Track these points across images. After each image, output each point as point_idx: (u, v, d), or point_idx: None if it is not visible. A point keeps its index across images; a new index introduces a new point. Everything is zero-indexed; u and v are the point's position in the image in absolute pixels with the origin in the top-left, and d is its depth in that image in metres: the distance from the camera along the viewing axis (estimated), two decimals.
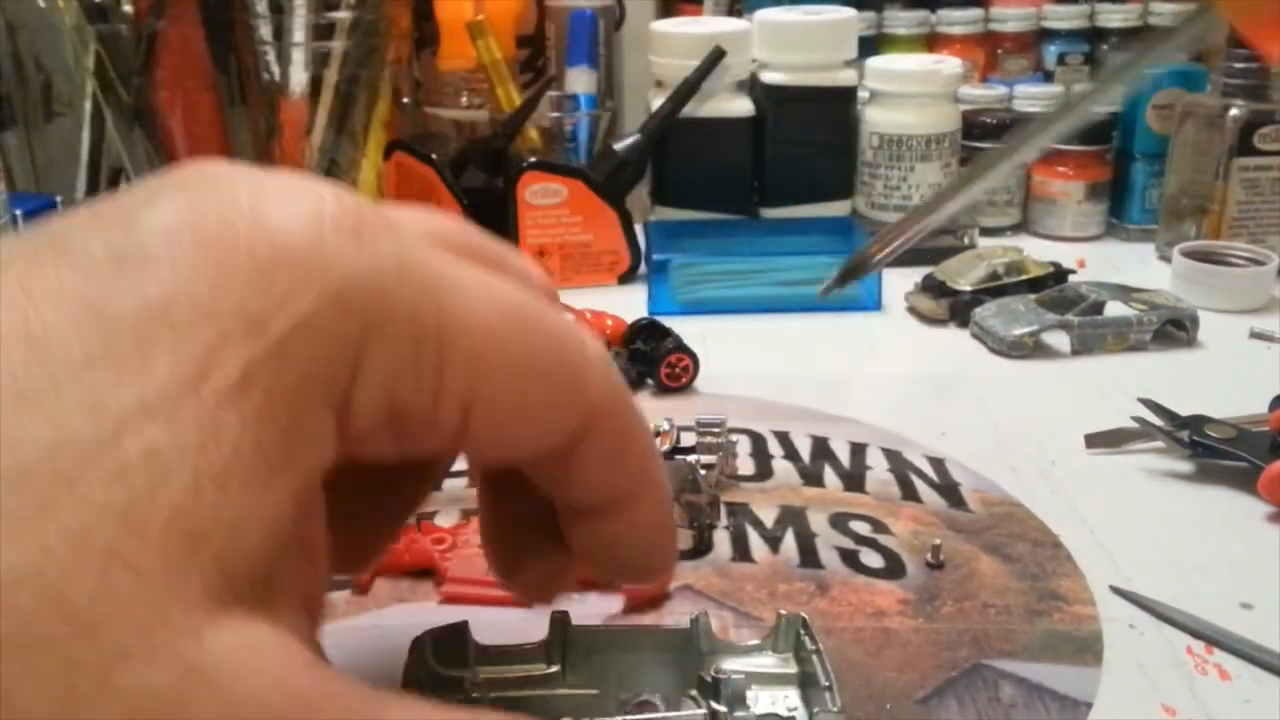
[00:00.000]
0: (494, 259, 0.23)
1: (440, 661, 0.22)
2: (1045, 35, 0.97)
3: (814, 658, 0.25)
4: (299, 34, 0.83)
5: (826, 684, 0.25)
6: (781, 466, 0.53)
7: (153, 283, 0.17)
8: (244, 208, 0.18)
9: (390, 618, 0.40)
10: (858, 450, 0.55)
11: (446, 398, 0.20)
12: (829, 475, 0.53)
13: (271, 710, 0.16)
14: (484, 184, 0.81)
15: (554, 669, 0.22)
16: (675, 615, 0.42)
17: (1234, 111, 0.77)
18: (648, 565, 0.26)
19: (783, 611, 0.25)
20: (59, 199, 0.83)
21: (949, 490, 0.51)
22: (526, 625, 0.34)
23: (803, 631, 0.25)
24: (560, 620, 0.23)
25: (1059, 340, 0.67)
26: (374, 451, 0.20)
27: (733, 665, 0.24)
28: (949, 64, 0.84)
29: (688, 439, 0.52)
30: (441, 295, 0.19)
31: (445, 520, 0.46)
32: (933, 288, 0.73)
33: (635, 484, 0.24)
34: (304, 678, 0.16)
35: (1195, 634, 0.41)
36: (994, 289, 0.72)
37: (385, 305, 0.18)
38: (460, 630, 0.22)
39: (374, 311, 0.18)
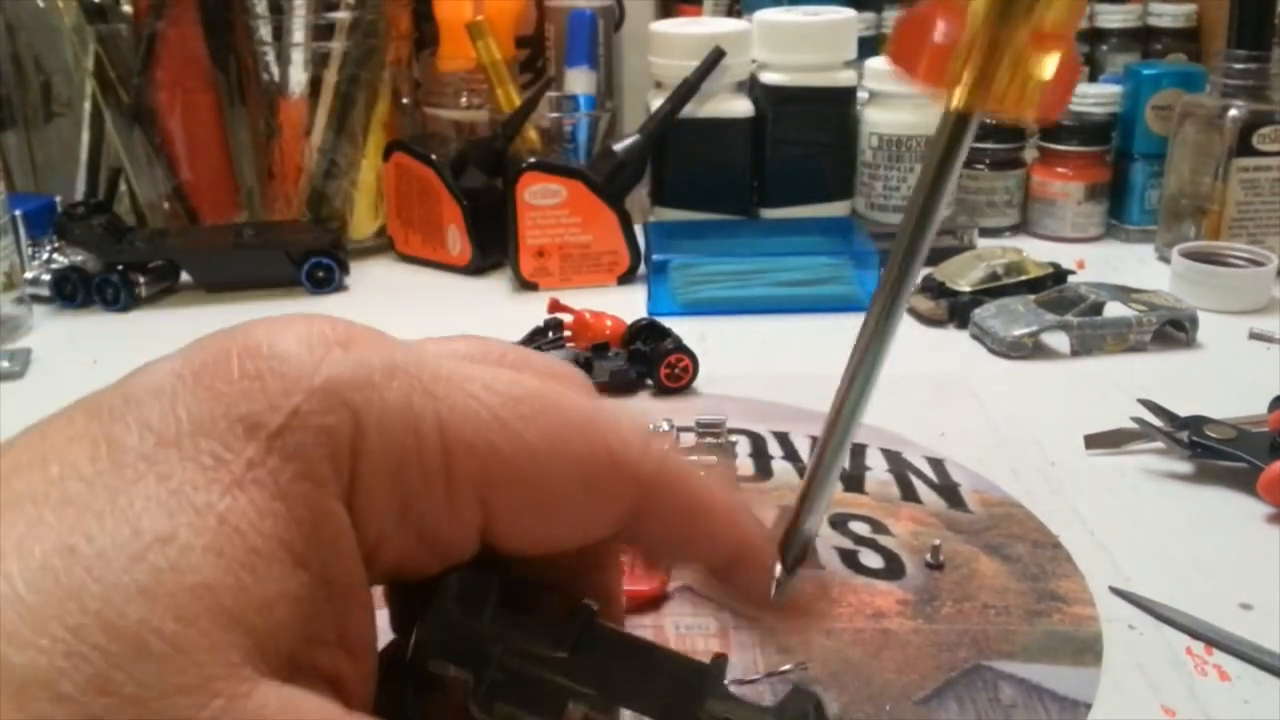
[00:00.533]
0: (531, 370, 0.22)
1: (460, 604, 0.22)
2: None
3: None
4: (298, 34, 0.83)
5: None
6: (781, 467, 0.53)
7: (154, 412, 0.18)
8: (238, 336, 0.19)
9: None
10: (857, 451, 0.55)
11: (459, 490, 0.19)
12: None
13: None
14: (483, 184, 0.81)
15: (561, 654, 0.22)
16: (675, 616, 0.42)
17: (1233, 112, 0.77)
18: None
19: (797, 683, 0.24)
20: (58, 199, 0.83)
21: (948, 491, 0.51)
22: None
23: (813, 714, 0.25)
24: (584, 611, 0.23)
25: (1058, 341, 0.67)
26: (408, 559, 0.20)
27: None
28: None
29: (688, 439, 0.52)
30: (438, 390, 0.20)
31: None
32: (932, 288, 0.73)
33: (728, 549, 0.23)
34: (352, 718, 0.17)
35: (1195, 635, 0.41)
36: (993, 290, 0.72)
37: (374, 400, 0.19)
38: (488, 582, 0.22)
39: (363, 406, 0.19)
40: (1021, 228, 0.89)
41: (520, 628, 0.22)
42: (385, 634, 0.22)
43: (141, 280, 0.76)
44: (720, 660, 0.23)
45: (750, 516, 0.23)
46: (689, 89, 0.79)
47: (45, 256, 0.79)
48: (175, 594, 0.16)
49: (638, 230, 0.80)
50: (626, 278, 0.79)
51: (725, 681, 0.23)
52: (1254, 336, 0.69)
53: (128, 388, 0.19)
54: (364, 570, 0.19)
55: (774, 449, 0.55)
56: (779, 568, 0.24)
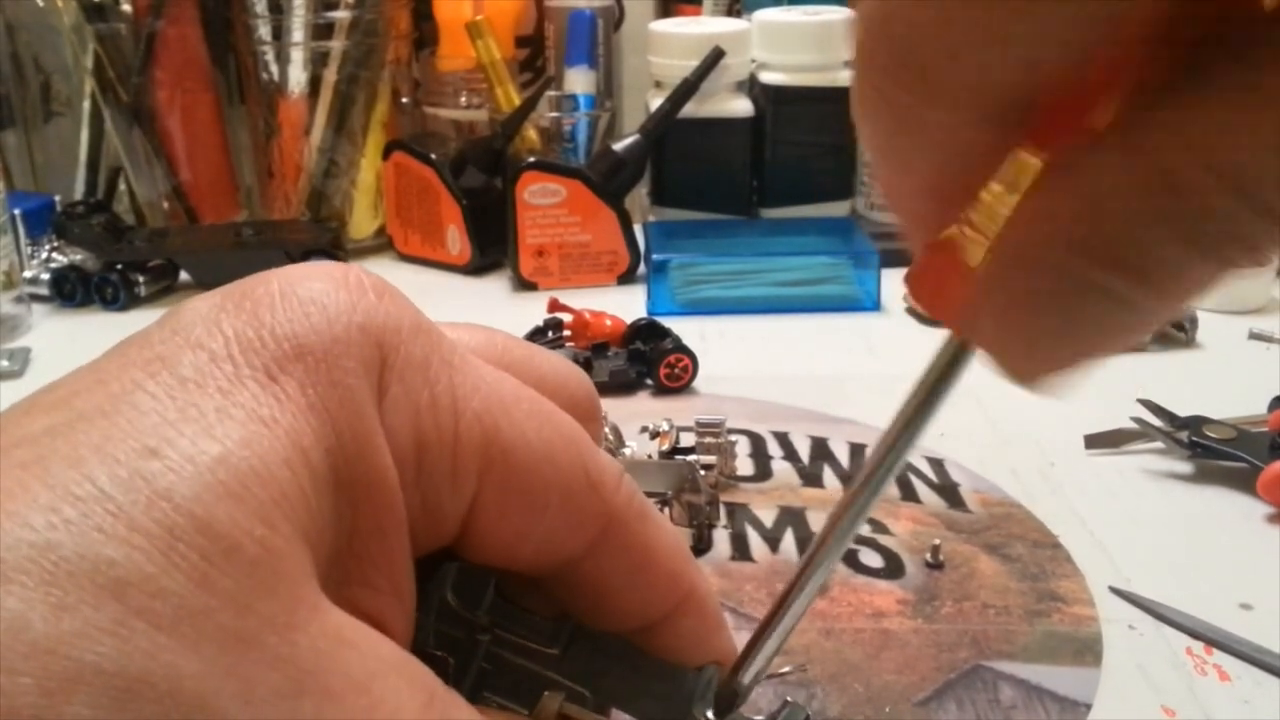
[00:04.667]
0: (533, 370, 0.23)
1: (455, 595, 0.22)
2: None
3: None
4: (298, 34, 0.83)
5: None
6: (781, 467, 0.53)
7: (204, 333, 0.18)
8: (275, 275, 0.19)
9: None
10: (857, 451, 0.55)
11: (463, 457, 0.20)
12: (828, 476, 0.53)
13: (406, 672, 0.17)
14: (483, 184, 0.81)
15: (553, 651, 0.22)
16: None
17: None
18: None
19: (789, 699, 0.24)
20: (57, 198, 0.83)
21: (948, 491, 0.51)
22: None
23: None
24: (570, 625, 0.23)
25: None
26: (411, 526, 0.20)
27: None
28: None
29: (687, 439, 0.52)
30: (454, 362, 0.20)
31: None
32: None
33: (668, 602, 0.23)
34: (425, 672, 0.18)
35: (1195, 635, 0.41)
36: None
37: (400, 349, 0.19)
38: (485, 578, 0.22)
39: (390, 348, 0.19)
40: None
41: (514, 622, 0.22)
42: None
43: (141, 279, 0.76)
44: (710, 669, 0.23)
45: (698, 570, 0.24)
46: (689, 89, 0.78)
47: (44, 255, 0.79)
48: (261, 500, 0.16)
49: (637, 230, 0.80)
50: (626, 277, 0.79)
51: (714, 690, 0.23)
52: (1254, 336, 0.69)
53: (171, 319, 0.19)
54: (404, 509, 0.19)
55: (773, 449, 0.55)
56: (709, 712, 0.23)
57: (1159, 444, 0.54)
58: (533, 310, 0.68)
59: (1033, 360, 0.17)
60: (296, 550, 0.16)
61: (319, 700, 0.16)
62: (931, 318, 0.18)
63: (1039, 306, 0.16)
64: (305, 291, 0.19)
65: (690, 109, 0.79)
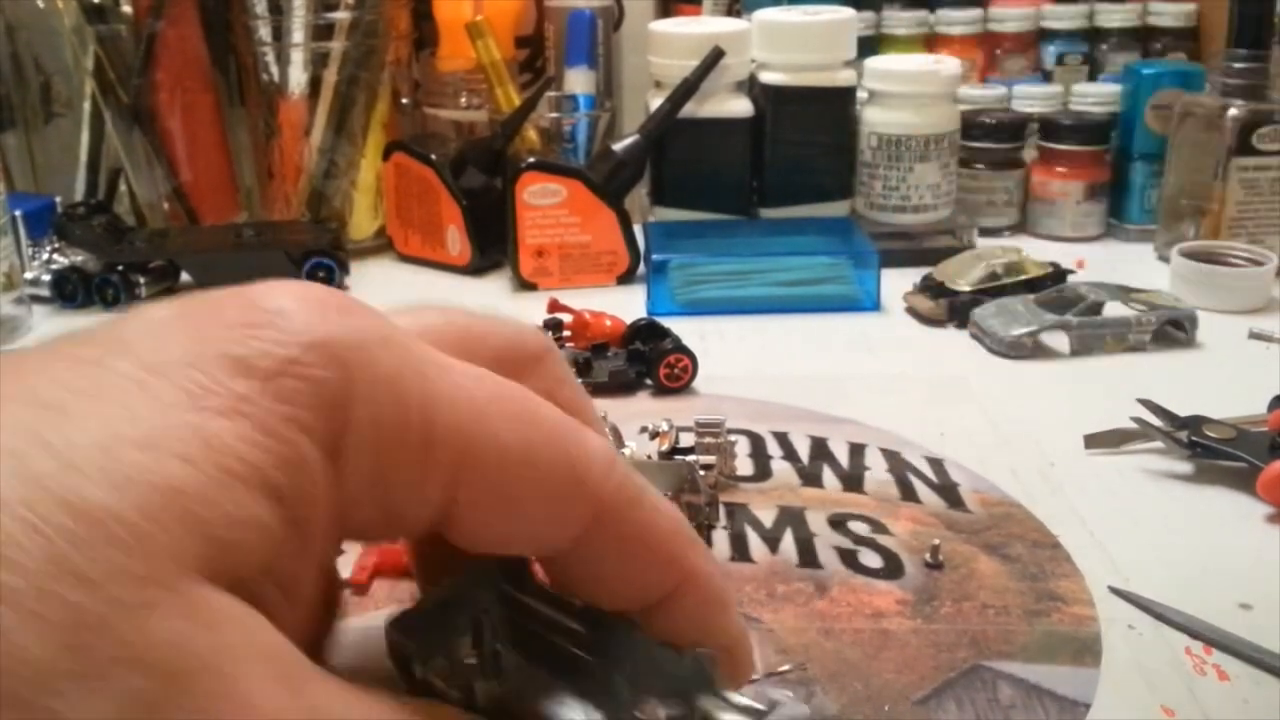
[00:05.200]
0: (490, 347, 0.23)
1: (500, 574, 0.23)
2: (1044, 35, 0.97)
3: None
4: (298, 35, 0.83)
5: None
6: (780, 467, 0.53)
7: (146, 345, 0.18)
8: (232, 291, 0.19)
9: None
10: (856, 451, 0.55)
11: (432, 471, 0.19)
12: (828, 476, 0.53)
13: (279, 662, 0.17)
14: (483, 184, 0.81)
15: (580, 627, 0.22)
16: None
17: (1233, 112, 0.77)
18: (721, 659, 0.24)
19: (789, 694, 0.24)
20: (58, 199, 0.83)
21: (948, 491, 0.51)
22: None
23: None
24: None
25: (1058, 341, 0.67)
26: (366, 527, 0.20)
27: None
28: (948, 64, 0.84)
29: (687, 439, 0.52)
30: (426, 372, 0.20)
31: None
32: (931, 288, 0.73)
33: (667, 582, 0.22)
34: (291, 646, 0.17)
35: (1194, 634, 0.41)
36: (993, 289, 0.72)
37: (368, 366, 0.19)
38: (525, 567, 0.23)
39: (357, 368, 0.19)
40: (1021, 227, 0.89)
41: (549, 602, 0.22)
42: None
43: (141, 280, 0.76)
44: (709, 655, 0.23)
45: (700, 551, 0.23)
46: (688, 89, 0.79)
47: (45, 257, 0.79)
48: (143, 491, 0.16)
49: (637, 230, 0.80)
50: (626, 277, 0.79)
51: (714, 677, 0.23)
52: (1253, 336, 0.69)
53: (115, 325, 0.19)
54: (333, 527, 0.19)
55: (773, 448, 0.55)
56: None
57: (1159, 444, 0.54)
58: (533, 311, 0.68)
59: None
60: (175, 538, 0.16)
61: (163, 682, 0.15)
62: None
63: None
64: (264, 308, 0.19)
65: (690, 109, 0.79)
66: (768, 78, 0.82)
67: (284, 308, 0.19)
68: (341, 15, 0.83)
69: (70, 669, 0.15)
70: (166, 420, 0.17)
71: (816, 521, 0.49)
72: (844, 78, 0.82)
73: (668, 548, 0.22)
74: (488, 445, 0.20)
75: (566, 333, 0.64)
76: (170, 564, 0.16)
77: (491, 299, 0.78)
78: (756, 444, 0.55)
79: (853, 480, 0.52)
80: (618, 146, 0.78)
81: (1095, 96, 0.89)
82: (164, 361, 0.18)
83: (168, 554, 0.16)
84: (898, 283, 0.75)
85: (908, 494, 0.51)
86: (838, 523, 0.48)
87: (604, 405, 0.57)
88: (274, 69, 0.84)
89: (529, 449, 0.20)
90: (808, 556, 0.46)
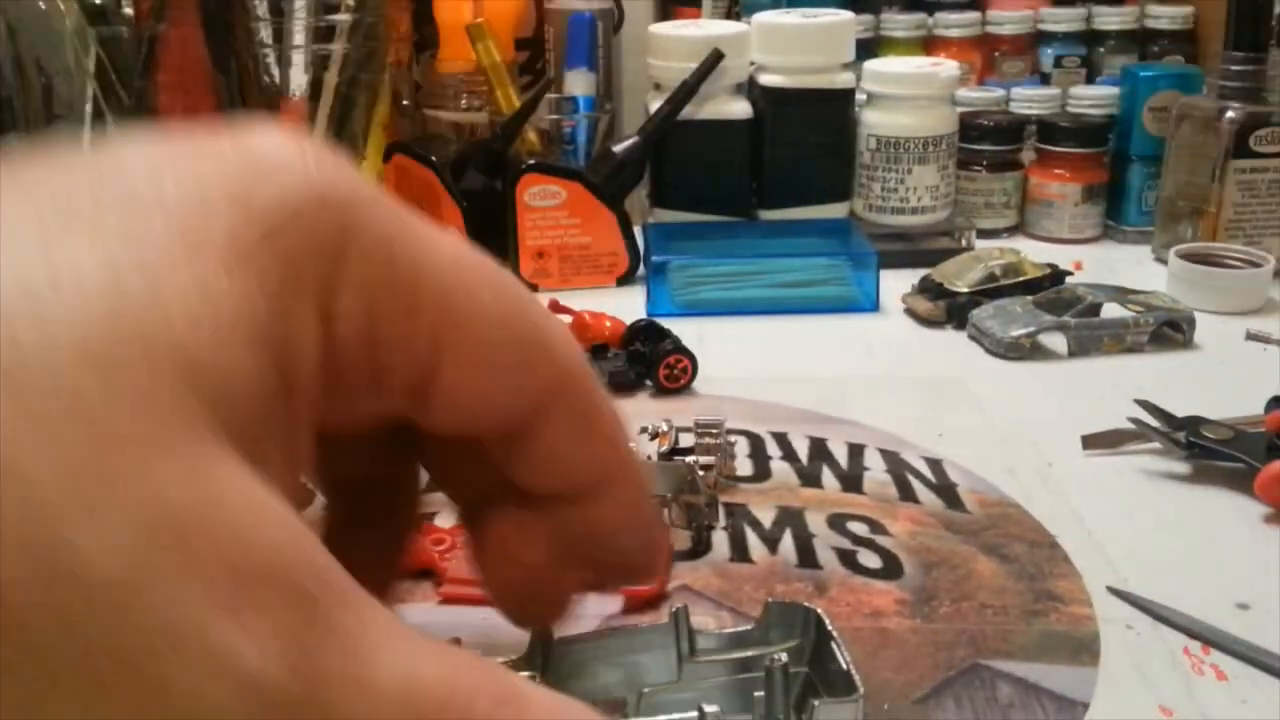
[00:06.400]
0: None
1: None
2: (1042, 38, 0.98)
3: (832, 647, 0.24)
4: (299, 37, 0.84)
5: (845, 668, 0.24)
6: (779, 467, 0.54)
7: (148, 179, 0.17)
8: (228, 133, 0.19)
9: None
10: (855, 451, 0.55)
11: (420, 328, 0.20)
12: (827, 476, 0.53)
13: (282, 535, 0.16)
14: (483, 186, 0.81)
15: (531, 673, 0.22)
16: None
17: (1230, 114, 0.78)
18: (636, 561, 0.25)
19: (770, 599, 0.25)
20: None
21: (946, 491, 0.51)
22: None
23: (811, 625, 0.25)
24: (542, 635, 0.23)
25: (1056, 342, 0.67)
26: (357, 397, 0.20)
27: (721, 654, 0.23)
28: (946, 66, 0.84)
29: (686, 440, 0.52)
30: (413, 232, 0.20)
31: (445, 521, 0.46)
32: (930, 289, 0.73)
33: (608, 466, 0.24)
34: (310, 544, 0.17)
35: (1192, 634, 0.41)
36: (991, 290, 0.72)
37: (362, 219, 0.19)
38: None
39: (351, 220, 0.19)
40: (1019, 229, 0.89)
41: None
42: None
43: None
44: (681, 611, 0.23)
45: (631, 446, 0.24)
46: (688, 91, 0.79)
47: None
48: (146, 337, 0.16)
49: (637, 231, 0.80)
50: (626, 279, 0.79)
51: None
52: (1251, 337, 0.69)
53: (104, 152, 0.18)
54: (319, 391, 0.19)
55: (772, 449, 0.55)
56: None
57: (1156, 444, 0.54)
58: None
59: None
60: (179, 391, 0.16)
61: (154, 534, 0.15)
62: None
63: None
64: (261, 147, 0.19)
65: (689, 111, 0.80)
66: (767, 80, 0.82)
67: (280, 155, 0.19)
68: (342, 18, 0.83)
69: (80, 499, 0.14)
70: (172, 265, 0.16)
71: (815, 522, 0.49)
72: (843, 80, 0.82)
73: (613, 430, 0.23)
74: (469, 305, 0.20)
75: None
76: (175, 414, 0.16)
77: None
78: (756, 445, 0.56)
79: (851, 481, 0.52)
80: (617, 148, 0.79)
81: (1093, 99, 0.89)
82: (167, 197, 0.17)
83: (172, 405, 0.16)
84: (896, 284, 0.75)
85: (906, 494, 0.51)
86: (837, 523, 0.49)
87: None
88: (275, 71, 0.85)
89: (503, 312, 0.21)
90: (807, 557, 0.46)
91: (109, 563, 0.14)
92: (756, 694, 0.22)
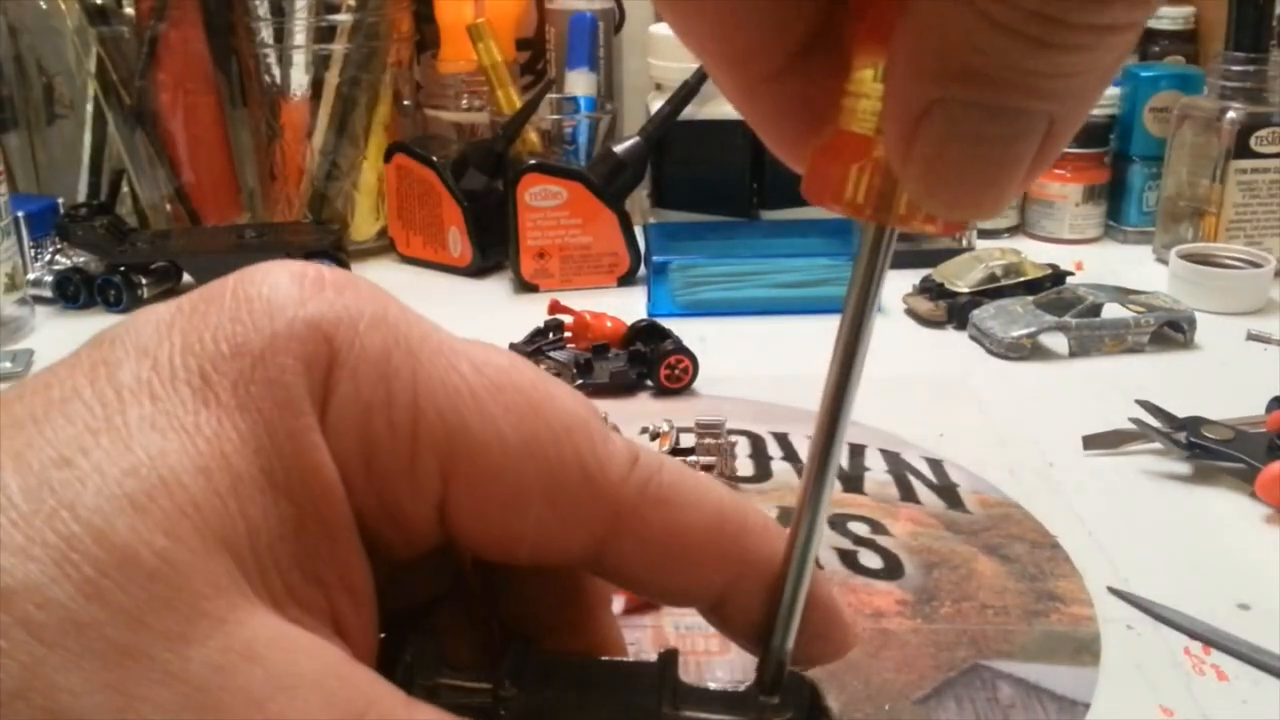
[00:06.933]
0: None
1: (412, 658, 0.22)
2: None
3: None
4: (300, 37, 0.84)
5: None
6: (780, 468, 0.54)
7: (151, 338, 0.18)
8: (236, 274, 0.20)
9: None
10: (856, 451, 0.55)
11: (422, 456, 0.19)
12: None
13: (324, 689, 0.16)
14: (484, 186, 0.81)
15: (509, 693, 0.22)
16: (673, 616, 0.42)
17: (1231, 114, 0.78)
18: (811, 650, 0.22)
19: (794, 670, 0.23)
20: (60, 200, 0.84)
21: (947, 491, 0.51)
22: None
23: (808, 696, 0.23)
24: (520, 644, 0.22)
25: (1057, 342, 0.67)
26: (373, 526, 0.19)
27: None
28: None
29: (687, 440, 0.52)
30: (422, 352, 0.19)
31: None
32: (931, 289, 0.73)
33: (716, 582, 0.21)
34: (348, 667, 0.17)
35: (1193, 634, 0.41)
36: (992, 291, 0.72)
37: (353, 342, 0.19)
38: (433, 647, 0.22)
39: (341, 344, 0.19)
40: (1020, 229, 0.90)
41: (464, 674, 0.22)
42: None
43: (143, 281, 0.77)
44: (669, 655, 0.22)
45: (756, 536, 0.21)
46: (689, 91, 0.79)
47: (47, 258, 0.79)
48: (166, 510, 0.16)
49: (638, 232, 0.80)
50: (626, 279, 0.79)
51: (673, 680, 0.22)
52: (1251, 338, 0.69)
53: (131, 320, 0.19)
54: (350, 510, 0.18)
55: (773, 449, 0.55)
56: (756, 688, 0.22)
57: (1157, 445, 0.54)
58: (534, 312, 0.68)
59: (961, 204, 0.17)
60: (206, 560, 0.16)
61: (205, 714, 0.15)
62: (847, 214, 0.19)
63: (954, 153, 0.16)
64: (256, 289, 0.19)
65: (690, 111, 0.80)
66: None
67: (276, 286, 0.19)
68: (343, 18, 0.83)
69: (115, 707, 0.14)
70: (176, 427, 0.17)
71: None
72: None
73: (707, 545, 0.21)
74: (482, 432, 0.19)
75: (567, 334, 0.64)
76: (211, 592, 0.16)
77: (493, 301, 0.78)
78: (757, 445, 0.56)
79: (853, 481, 0.52)
80: (618, 148, 0.79)
81: None
82: (167, 355, 0.18)
83: (206, 581, 0.16)
84: (897, 284, 0.75)
85: (907, 494, 0.51)
86: (838, 523, 0.49)
87: (605, 406, 0.57)
88: (276, 71, 0.85)
89: (531, 442, 0.19)
90: None
91: None
92: None
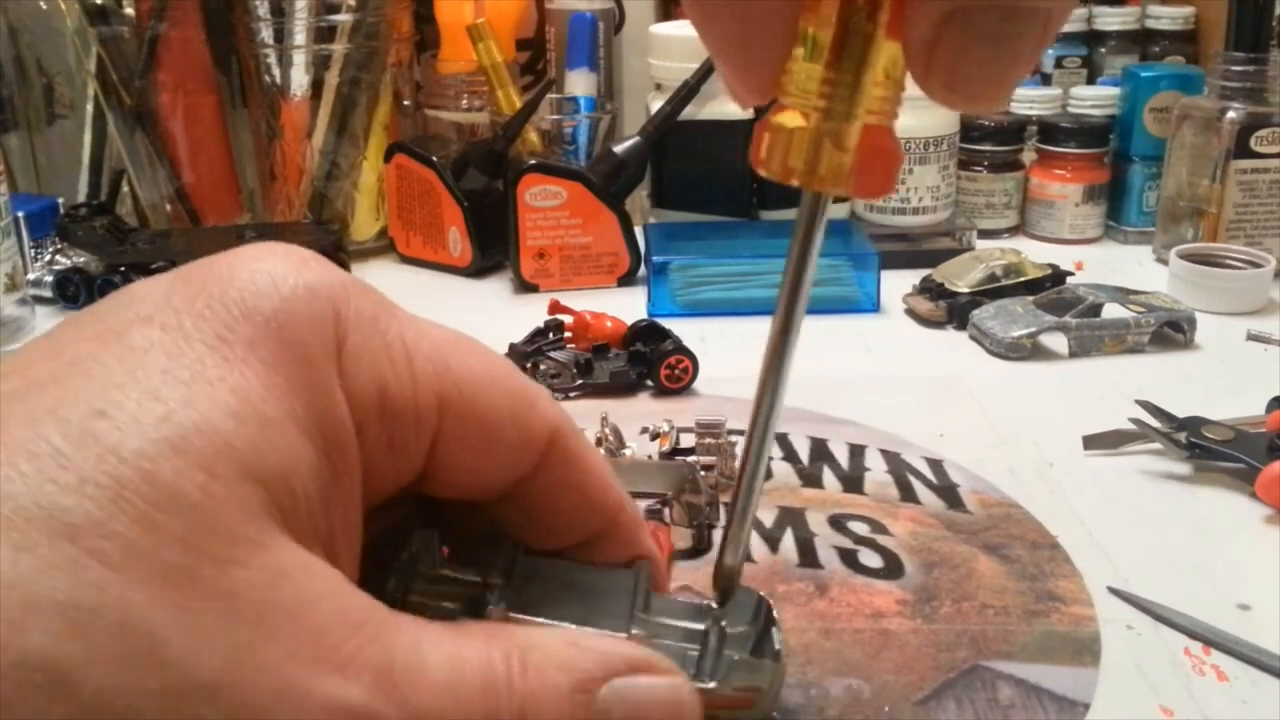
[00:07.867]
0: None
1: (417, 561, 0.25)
2: None
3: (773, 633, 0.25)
4: (300, 37, 0.84)
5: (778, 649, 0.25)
6: (780, 468, 0.54)
7: (152, 307, 0.20)
8: (219, 255, 0.22)
9: None
10: (856, 452, 0.55)
11: (422, 386, 0.22)
12: (828, 476, 0.53)
13: (336, 604, 0.19)
14: (484, 186, 0.81)
15: (496, 582, 0.25)
16: None
17: (1231, 114, 0.78)
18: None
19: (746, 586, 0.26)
20: (60, 200, 0.84)
21: (947, 491, 0.51)
22: None
23: (761, 612, 0.26)
24: (510, 546, 0.25)
25: (1057, 342, 0.67)
26: (377, 469, 0.22)
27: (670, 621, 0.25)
28: None
29: (687, 440, 0.52)
30: (391, 310, 0.23)
31: None
32: (931, 289, 0.73)
33: (606, 513, 0.26)
34: (348, 588, 0.19)
35: (1193, 635, 0.41)
36: (992, 291, 0.72)
37: (350, 302, 0.22)
38: (428, 537, 0.25)
39: (340, 304, 0.21)
40: (1020, 229, 0.90)
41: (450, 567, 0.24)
42: None
43: None
44: (641, 564, 0.25)
45: (619, 486, 0.26)
46: (689, 91, 0.79)
47: (47, 258, 0.79)
48: (202, 450, 0.18)
49: (638, 232, 0.80)
50: (626, 279, 0.79)
51: (648, 582, 0.25)
52: (1252, 338, 0.69)
53: (122, 296, 0.21)
54: (359, 456, 0.21)
55: (773, 449, 0.55)
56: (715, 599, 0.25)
57: (1157, 445, 0.54)
58: (534, 312, 0.68)
59: (982, 97, 0.20)
60: (241, 493, 0.18)
61: (254, 626, 0.17)
62: (778, 178, 0.21)
63: (975, 53, 0.19)
64: (250, 264, 0.21)
65: (690, 111, 0.80)
66: None
67: (269, 260, 0.21)
68: (343, 18, 0.83)
69: (176, 620, 0.17)
70: (199, 378, 0.19)
71: (816, 522, 0.49)
72: None
73: (605, 479, 0.25)
74: (462, 371, 0.23)
75: (567, 334, 0.64)
76: (247, 519, 0.18)
77: (493, 301, 0.78)
78: None
79: (852, 481, 0.52)
80: (618, 148, 0.79)
81: (1094, 99, 0.89)
82: (175, 321, 0.19)
83: (243, 511, 0.18)
84: (897, 284, 0.75)
85: (907, 495, 0.51)
86: (838, 523, 0.49)
87: (605, 406, 0.57)
88: (276, 71, 0.85)
89: (494, 375, 0.23)
90: (808, 556, 0.46)
91: (215, 663, 0.17)
92: (690, 652, 0.24)
